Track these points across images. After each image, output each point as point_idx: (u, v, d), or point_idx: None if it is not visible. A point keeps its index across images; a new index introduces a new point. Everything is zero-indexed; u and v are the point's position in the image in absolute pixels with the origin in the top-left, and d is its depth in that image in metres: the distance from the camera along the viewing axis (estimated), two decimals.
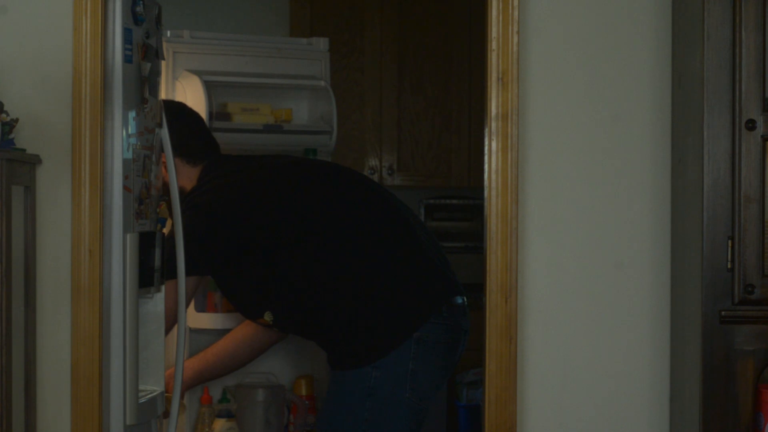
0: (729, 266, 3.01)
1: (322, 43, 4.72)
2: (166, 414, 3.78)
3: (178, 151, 3.76)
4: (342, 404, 3.54)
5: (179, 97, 4.54)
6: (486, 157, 3.36)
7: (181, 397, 3.90)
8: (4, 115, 3.22)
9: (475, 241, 6.24)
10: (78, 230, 3.35)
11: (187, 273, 3.59)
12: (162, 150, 3.96)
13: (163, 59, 3.90)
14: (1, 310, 3.11)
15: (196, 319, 4.50)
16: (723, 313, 3.01)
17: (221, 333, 4.53)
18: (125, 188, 3.48)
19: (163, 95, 4.09)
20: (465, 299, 3.63)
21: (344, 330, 3.54)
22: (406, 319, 3.50)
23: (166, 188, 3.80)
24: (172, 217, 3.97)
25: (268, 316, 3.73)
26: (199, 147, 3.88)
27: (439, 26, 6.25)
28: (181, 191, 3.81)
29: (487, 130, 3.36)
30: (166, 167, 3.67)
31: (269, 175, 3.77)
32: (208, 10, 6.41)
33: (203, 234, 3.65)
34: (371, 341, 3.50)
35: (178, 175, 3.78)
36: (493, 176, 3.34)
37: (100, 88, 3.35)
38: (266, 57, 4.71)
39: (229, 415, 4.51)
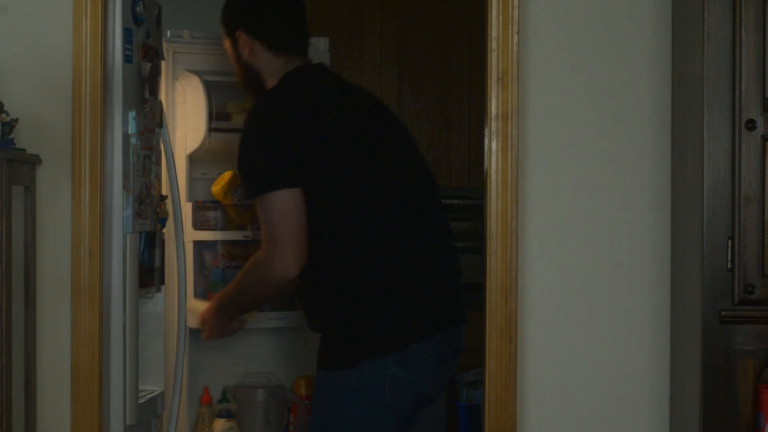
0: (729, 266, 3.01)
1: (322, 43, 4.72)
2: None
3: (259, 35, 3.45)
4: (326, 408, 3.49)
5: (179, 98, 4.54)
6: (486, 157, 3.36)
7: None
8: (4, 115, 3.22)
9: (475, 241, 6.23)
10: (78, 230, 3.35)
11: (252, 188, 3.35)
12: (164, 149, 3.96)
13: (163, 59, 3.91)
14: (1, 310, 3.11)
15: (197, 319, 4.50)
16: (723, 313, 3.00)
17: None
18: (125, 188, 3.49)
19: (162, 95, 4.09)
20: (464, 325, 3.55)
21: (338, 319, 3.46)
22: (399, 333, 3.44)
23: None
24: (173, 216, 3.97)
25: None
26: (286, 37, 3.50)
27: (439, 27, 6.25)
28: (258, 78, 3.52)
29: (487, 130, 3.36)
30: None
31: (336, 121, 3.43)
32: (208, 10, 6.40)
33: (259, 139, 3.36)
34: (357, 344, 3.44)
35: (255, 58, 3.47)
36: (493, 176, 3.34)
37: (100, 88, 3.35)
38: None
39: (229, 415, 4.51)
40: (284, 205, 3.32)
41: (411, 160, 3.43)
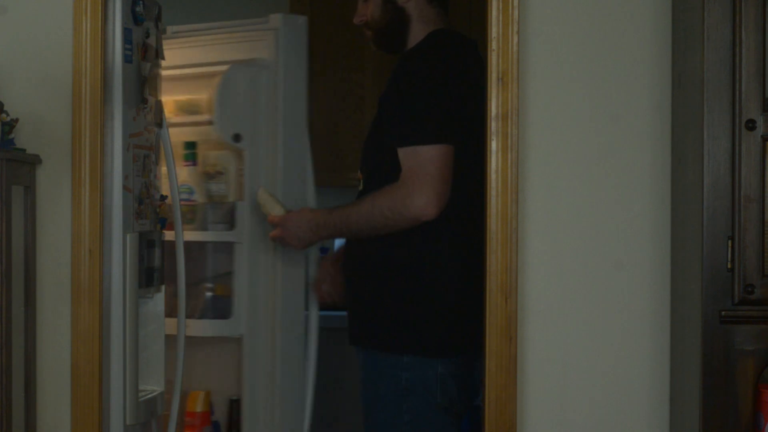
0: (729, 266, 3.00)
1: (278, 21, 4.29)
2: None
3: None
4: (380, 406, 3.49)
5: None
6: (486, 157, 3.36)
7: None
8: (4, 115, 3.22)
9: None
10: (78, 230, 3.35)
11: (410, 136, 3.39)
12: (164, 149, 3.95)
13: (163, 59, 3.91)
14: (1, 310, 3.11)
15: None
16: (723, 313, 3.00)
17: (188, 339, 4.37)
18: (125, 188, 3.49)
19: None
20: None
21: (398, 292, 3.44)
22: (457, 340, 3.45)
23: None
24: (173, 216, 3.96)
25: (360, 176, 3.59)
26: None
27: None
28: (403, 26, 3.60)
29: (487, 130, 3.36)
30: None
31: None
32: (207, 9, 6.41)
33: (425, 91, 3.45)
34: (415, 333, 3.42)
35: (411, 3, 3.56)
36: (493, 176, 3.34)
37: (100, 88, 3.36)
38: (218, 45, 4.41)
39: None
40: (439, 157, 3.37)
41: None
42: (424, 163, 3.35)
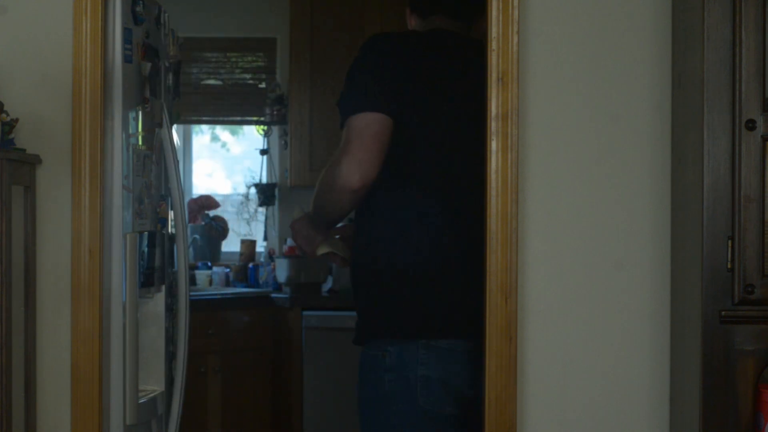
0: (729, 266, 3.00)
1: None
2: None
3: (409, 4, 3.74)
4: (367, 405, 3.49)
5: None
6: (486, 157, 3.36)
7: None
8: (4, 115, 3.22)
9: None
10: (78, 230, 3.35)
11: (342, 111, 3.44)
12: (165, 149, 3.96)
13: (164, 60, 3.90)
14: (1, 310, 3.11)
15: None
16: (723, 313, 3.00)
17: None
18: (125, 188, 3.49)
19: None
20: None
21: (370, 283, 3.47)
22: (427, 321, 3.44)
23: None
24: (174, 216, 3.96)
25: None
26: (428, 3, 3.70)
27: None
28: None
29: (487, 130, 3.36)
30: None
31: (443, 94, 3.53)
32: (208, 9, 6.42)
33: (355, 68, 3.50)
34: (385, 319, 3.42)
35: (408, 22, 3.74)
36: (493, 176, 3.34)
37: (100, 88, 3.36)
38: None
39: None
40: (363, 124, 3.37)
41: (470, 158, 3.46)
42: (347, 135, 3.41)
